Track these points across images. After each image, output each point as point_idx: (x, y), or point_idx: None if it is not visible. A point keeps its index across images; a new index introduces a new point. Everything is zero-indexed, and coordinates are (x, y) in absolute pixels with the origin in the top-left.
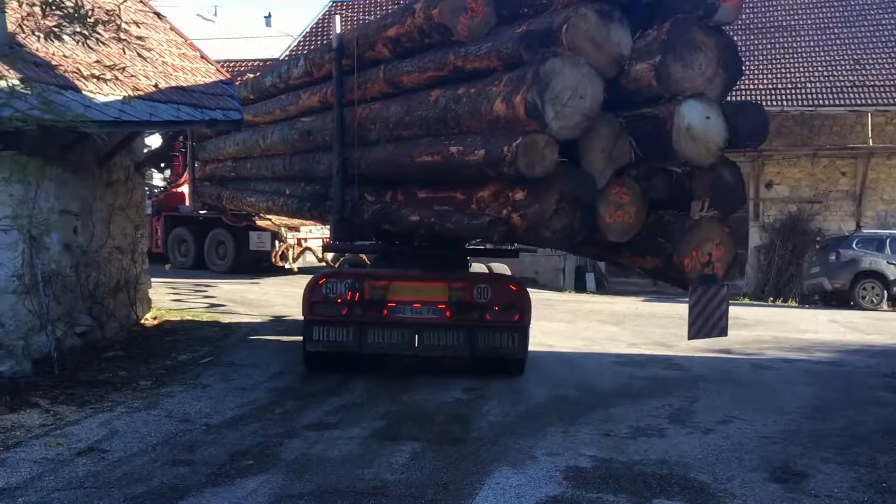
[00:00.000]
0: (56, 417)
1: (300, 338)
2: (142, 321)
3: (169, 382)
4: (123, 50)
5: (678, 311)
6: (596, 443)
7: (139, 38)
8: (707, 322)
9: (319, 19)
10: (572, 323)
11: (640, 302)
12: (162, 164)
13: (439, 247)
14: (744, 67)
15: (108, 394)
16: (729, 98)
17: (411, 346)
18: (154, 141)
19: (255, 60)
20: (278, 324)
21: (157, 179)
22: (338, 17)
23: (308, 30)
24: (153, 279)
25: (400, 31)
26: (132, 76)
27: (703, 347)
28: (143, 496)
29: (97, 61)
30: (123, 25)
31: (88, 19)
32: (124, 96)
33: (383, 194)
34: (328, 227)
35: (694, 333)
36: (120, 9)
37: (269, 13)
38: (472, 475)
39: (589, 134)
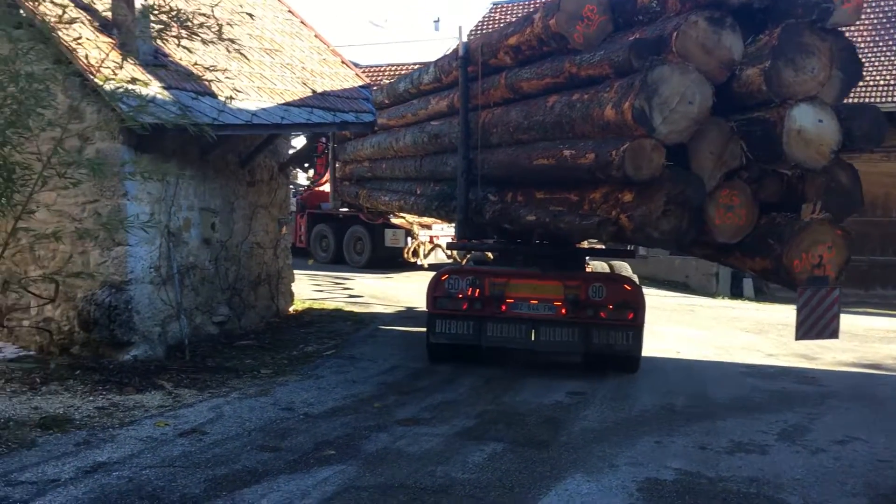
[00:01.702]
0: (175, 399)
1: (425, 329)
2: (284, 312)
3: (288, 372)
4: (241, 54)
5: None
6: (687, 455)
7: (231, 39)
8: (816, 323)
9: (479, 22)
10: (709, 330)
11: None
12: (306, 165)
13: (556, 246)
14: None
15: (229, 380)
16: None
17: (528, 341)
18: (299, 142)
19: (419, 63)
20: (407, 315)
21: (302, 179)
22: (462, 27)
23: (468, 32)
24: (297, 272)
25: (520, 40)
26: (267, 80)
27: (850, 361)
28: (223, 478)
29: (208, 67)
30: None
31: (191, 22)
32: (226, 97)
33: (504, 195)
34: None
35: (802, 334)
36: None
37: (438, 18)
38: (542, 480)
39: (698, 137)
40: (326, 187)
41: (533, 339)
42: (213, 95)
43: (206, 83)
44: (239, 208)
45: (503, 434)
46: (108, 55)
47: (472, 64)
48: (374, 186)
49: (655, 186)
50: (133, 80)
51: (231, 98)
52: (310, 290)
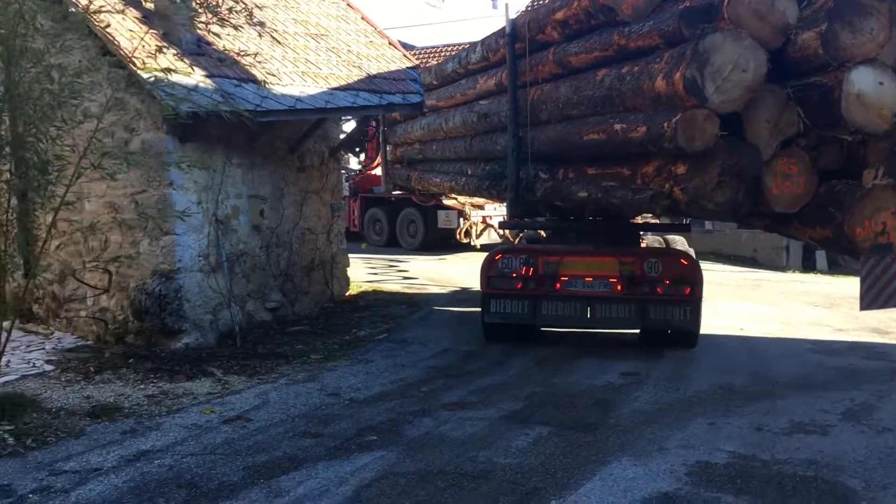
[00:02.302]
0: (223, 386)
1: (479, 308)
2: (339, 297)
3: (338, 357)
4: (275, 38)
5: None
6: (742, 437)
7: (261, 23)
8: (882, 292)
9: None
10: (776, 305)
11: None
12: (357, 149)
13: (610, 222)
14: None
15: (279, 366)
16: None
17: (584, 318)
18: (351, 127)
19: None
20: (461, 295)
21: (354, 163)
22: (508, 4)
23: (521, 10)
24: (351, 256)
25: (567, 14)
26: (311, 64)
27: None
28: (262, 465)
29: (239, 52)
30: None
31: (220, 8)
32: (262, 82)
33: (555, 172)
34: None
35: (867, 304)
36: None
37: None
38: (588, 464)
39: (752, 106)
40: (378, 171)
41: (588, 316)
42: (257, 82)
43: (247, 69)
44: (289, 194)
45: (550, 417)
46: (150, 45)
47: (520, 41)
48: (425, 168)
49: (709, 157)
50: (174, 70)
51: (265, 83)
52: (365, 273)
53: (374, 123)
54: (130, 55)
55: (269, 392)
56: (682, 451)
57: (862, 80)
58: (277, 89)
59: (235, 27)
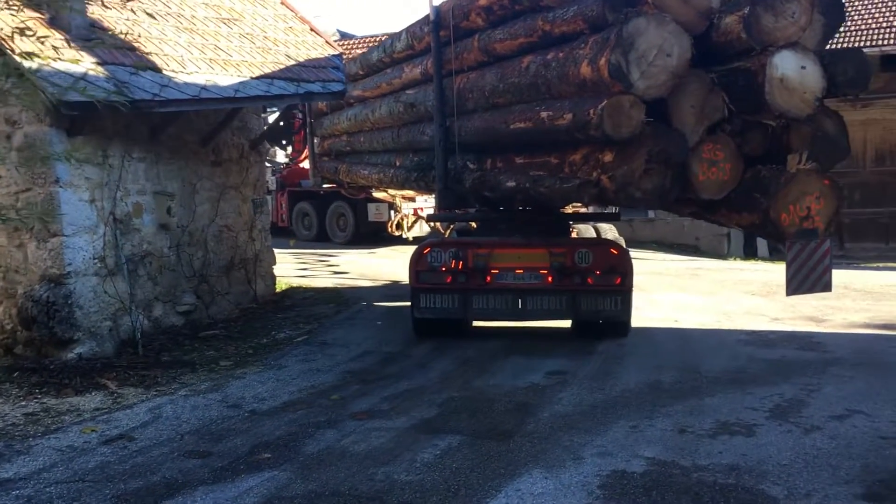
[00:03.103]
0: (115, 401)
1: (409, 303)
2: (264, 297)
3: (249, 363)
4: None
5: (854, 278)
6: (664, 441)
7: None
8: (808, 277)
9: None
10: (712, 295)
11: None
12: (283, 142)
13: (540, 212)
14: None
15: (183, 375)
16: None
17: (515, 312)
18: (275, 118)
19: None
20: (393, 290)
21: (281, 156)
22: None
23: None
24: (280, 251)
25: (491, 0)
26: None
27: (861, 322)
28: (133, 493)
29: (120, 33)
30: None
31: None
32: (134, 63)
33: (484, 162)
34: None
35: (793, 289)
36: None
37: None
38: (495, 478)
39: (678, 91)
40: (306, 164)
41: (520, 309)
42: (158, 70)
43: (147, 56)
44: (203, 190)
45: (464, 425)
46: (33, 30)
47: (444, 28)
48: (353, 160)
49: (636, 144)
50: (60, 57)
51: (141, 69)
52: (294, 270)
53: (299, 115)
54: (9, 41)
55: (164, 406)
56: (598, 459)
57: (785, 64)
58: (181, 77)
59: (104, 5)
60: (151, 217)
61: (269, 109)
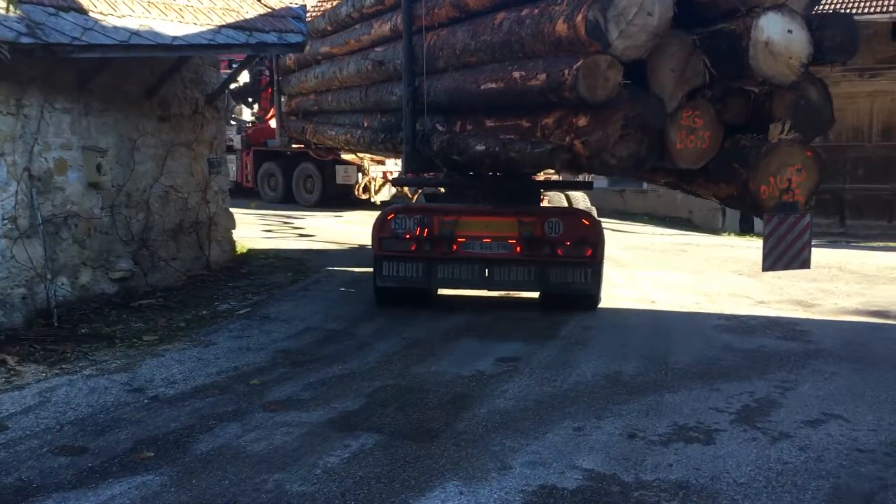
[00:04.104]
0: (7, 379)
1: (371, 269)
2: (219, 263)
3: (176, 338)
4: None
5: (851, 258)
6: (609, 448)
7: None
8: (786, 252)
9: None
10: (697, 273)
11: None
12: (249, 99)
13: (510, 179)
14: None
15: (97, 350)
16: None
17: (482, 282)
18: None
19: None
20: (359, 254)
21: (248, 114)
22: None
23: None
24: (245, 213)
25: None
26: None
27: (853, 308)
28: None
29: None
30: None
31: None
32: (56, 3)
33: (453, 124)
34: None
35: (770, 265)
36: None
37: None
38: (403, 492)
39: (657, 53)
40: (274, 123)
41: (487, 279)
42: (83, 11)
43: None
44: (145, 147)
45: (387, 421)
46: None
47: None
48: (320, 120)
49: (612, 108)
50: None
51: (63, 10)
52: (259, 232)
53: (266, 71)
54: None
55: (60, 387)
56: (528, 470)
57: (771, 27)
58: (110, 21)
59: None
60: (78, 175)
61: (233, 64)
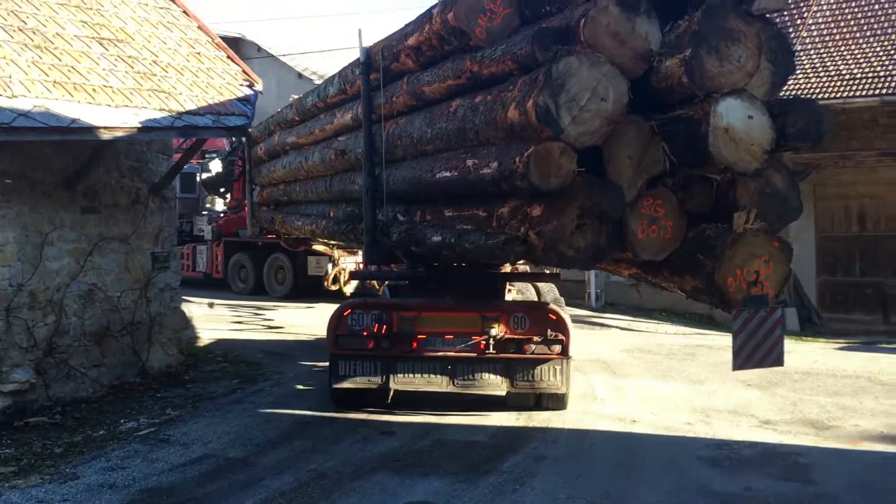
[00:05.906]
0: None
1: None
2: (165, 366)
3: (38, 469)
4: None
5: (886, 365)
6: None
7: None
8: (757, 350)
9: None
10: (698, 384)
11: (835, 350)
12: (222, 189)
13: (474, 271)
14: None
15: None
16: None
17: (444, 383)
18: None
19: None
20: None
21: (220, 204)
22: (361, 29)
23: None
24: (218, 303)
25: (420, 39)
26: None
27: (877, 433)
28: None
29: None
30: None
31: None
32: None
33: (413, 214)
34: None
35: (740, 363)
36: None
37: None
38: None
39: (614, 140)
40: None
41: (449, 379)
42: None
43: None
44: (61, 241)
45: None
46: None
47: (375, 70)
48: (289, 210)
49: (567, 197)
50: None
51: None
52: (228, 324)
53: (239, 161)
54: None
55: None
56: None
57: (730, 112)
58: (3, 101)
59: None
60: None
61: (207, 155)
